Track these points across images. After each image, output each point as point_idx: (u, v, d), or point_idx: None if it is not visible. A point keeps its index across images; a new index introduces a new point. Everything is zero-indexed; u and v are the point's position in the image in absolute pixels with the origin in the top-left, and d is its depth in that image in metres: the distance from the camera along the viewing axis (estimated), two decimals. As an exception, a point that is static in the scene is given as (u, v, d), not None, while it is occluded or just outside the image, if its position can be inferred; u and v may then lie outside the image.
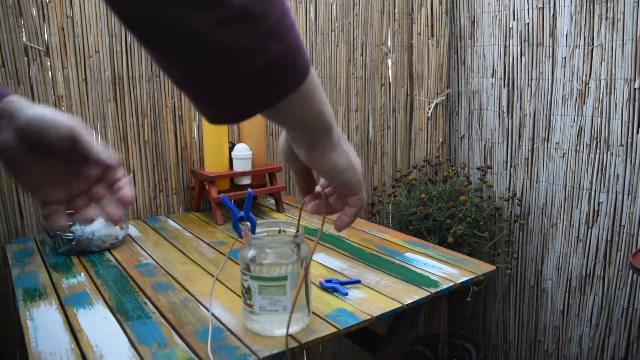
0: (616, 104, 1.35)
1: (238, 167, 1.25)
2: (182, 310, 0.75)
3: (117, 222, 0.46)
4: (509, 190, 1.66)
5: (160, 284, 0.84)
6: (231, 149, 1.26)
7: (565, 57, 1.45)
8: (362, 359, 1.68)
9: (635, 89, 1.31)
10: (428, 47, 1.73)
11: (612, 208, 1.41)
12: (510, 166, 1.66)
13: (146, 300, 0.78)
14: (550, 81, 1.50)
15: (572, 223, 1.51)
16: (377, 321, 0.73)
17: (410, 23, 1.73)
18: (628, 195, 1.37)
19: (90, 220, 0.47)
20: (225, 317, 0.72)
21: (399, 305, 0.77)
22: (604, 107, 1.38)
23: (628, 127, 1.34)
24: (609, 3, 1.32)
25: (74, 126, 0.44)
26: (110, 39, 1.17)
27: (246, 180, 1.31)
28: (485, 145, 1.72)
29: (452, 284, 0.85)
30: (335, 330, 0.69)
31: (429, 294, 0.81)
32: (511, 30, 1.56)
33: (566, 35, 1.43)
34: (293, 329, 0.67)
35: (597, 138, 1.41)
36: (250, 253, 0.65)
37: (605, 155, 1.40)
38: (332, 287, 0.81)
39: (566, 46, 1.44)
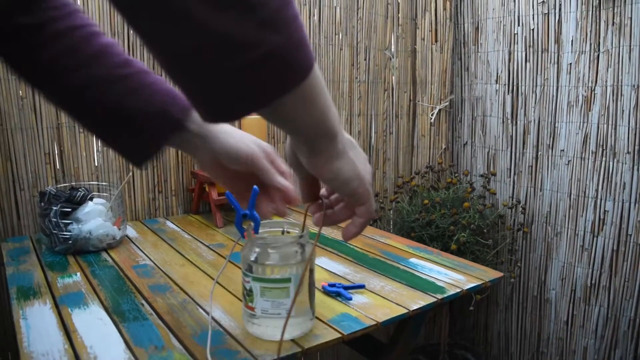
0: (623, 110, 1.34)
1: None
2: (180, 312, 0.72)
3: (283, 215, 0.59)
4: (513, 198, 1.64)
5: (158, 285, 0.82)
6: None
7: (570, 63, 1.44)
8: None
9: (642, 96, 1.30)
10: (432, 53, 1.72)
11: (618, 217, 1.38)
12: (514, 173, 1.64)
13: (143, 302, 0.75)
14: (555, 87, 1.49)
15: (577, 232, 1.49)
16: (379, 327, 0.71)
17: (414, 28, 1.73)
18: (635, 204, 1.35)
19: (266, 216, 0.59)
20: (225, 320, 0.70)
21: (405, 310, 0.74)
22: (610, 114, 1.37)
23: (635, 134, 1.32)
24: (615, 8, 1.31)
25: (253, 156, 0.54)
26: (112, 37, 1.16)
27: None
28: (488, 152, 1.70)
29: (458, 290, 0.82)
30: (340, 335, 0.66)
31: (435, 299, 0.78)
32: (516, 36, 1.55)
33: (572, 41, 1.42)
34: (296, 334, 0.65)
35: (603, 145, 1.40)
36: (253, 253, 0.63)
37: (611, 163, 1.38)
38: (336, 292, 0.79)
39: (572, 52, 1.43)
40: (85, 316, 0.70)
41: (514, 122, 1.61)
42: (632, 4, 1.28)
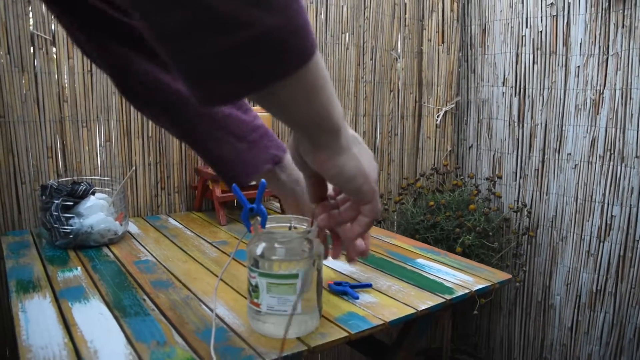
0: (632, 114, 1.32)
1: (243, 166, 1.21)
2: (183, 308, 0.70)
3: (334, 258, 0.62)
4: (518, 202, 1.63)
5: (161, 281, 0.80)
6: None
7: (579, 66, 1.43)
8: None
9: (651, 100, 1.28)
10: (438, 54, 1.71)
11: (625, 222, 1.37)
12: (520, 177, 1.62)
13: (145, 297, 0.73)
14: (562, 90, 1.48)
15: (582, 237, 1.47)
16: (387, 327, 0.69)
17: (421, 29, 1.71)
18: (643, 209, 1.33)
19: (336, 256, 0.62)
20: (228, 317, 0.68)
21: (412, 310, 0.72)
22: (618, 118, 1.35)
23: (644, 138, 1.31)
24: (626, 11, 1.30)
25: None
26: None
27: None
28: (494, 155, 1.69)
29: (467, 291, 0.80)
30: (347, 334, 0.65)
31: (443, 300, 0.77)
32: (523, 38, 1.54)
33: (580, 43, 1.41)
34: (302, 332, 0.63)
35: (610, 149, 1.38)
36: (260, 248, 0.61)
37: (619, 167, 1.37)
38: (342, 290, 0.77)
39: (580, 55, 1.42)
40: (85, 310, 0.68)
41: (521, 125, 1.59)
42: (642, 7, 1.27)
